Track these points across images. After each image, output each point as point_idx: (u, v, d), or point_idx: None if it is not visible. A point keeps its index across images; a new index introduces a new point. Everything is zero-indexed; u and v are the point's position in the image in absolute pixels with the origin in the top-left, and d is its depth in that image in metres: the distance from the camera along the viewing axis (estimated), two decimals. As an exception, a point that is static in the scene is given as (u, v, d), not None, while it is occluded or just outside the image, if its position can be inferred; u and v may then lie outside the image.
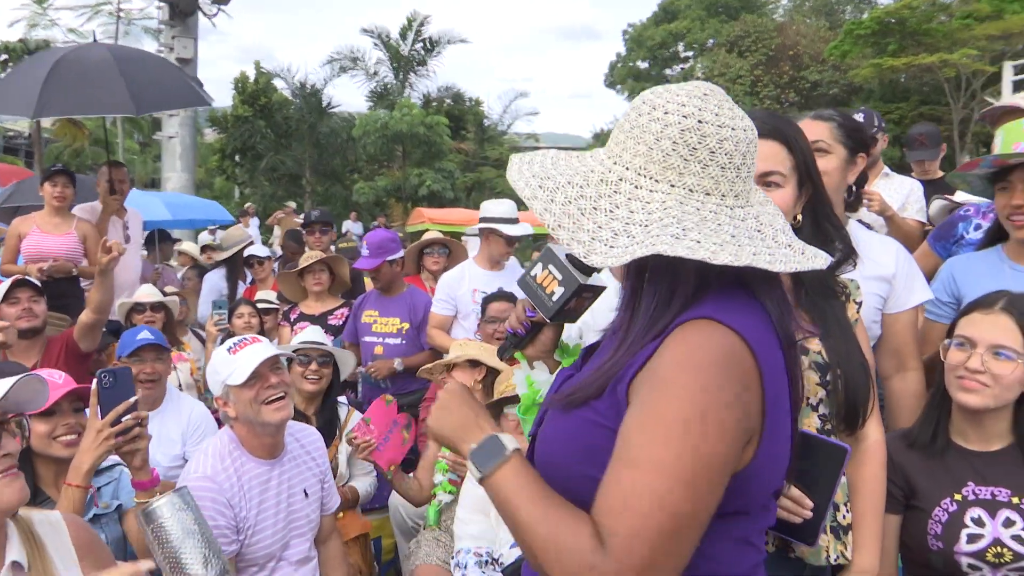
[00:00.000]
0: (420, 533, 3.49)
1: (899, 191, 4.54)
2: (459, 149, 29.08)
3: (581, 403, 1.26)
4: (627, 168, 1.24)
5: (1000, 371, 2.00)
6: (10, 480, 1.60)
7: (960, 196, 4.24)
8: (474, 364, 3.61)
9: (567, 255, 1.45)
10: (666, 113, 1.21)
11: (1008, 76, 18.36)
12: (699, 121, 1.20)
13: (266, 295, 6.00)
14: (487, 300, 4.32)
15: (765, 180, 1.85)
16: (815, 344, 1.86)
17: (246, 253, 6.71)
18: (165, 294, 5.29)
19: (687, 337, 1.18)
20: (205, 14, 15.96)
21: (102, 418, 2.23)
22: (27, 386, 1.68)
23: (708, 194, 1.21)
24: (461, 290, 4.83)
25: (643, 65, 42.21)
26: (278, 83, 28.16)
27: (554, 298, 1.45)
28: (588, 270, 1.43)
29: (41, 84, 5.41)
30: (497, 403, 2.92)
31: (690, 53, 40.98)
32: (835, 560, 1.88)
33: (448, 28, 29.38)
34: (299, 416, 3.66)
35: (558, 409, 1.31)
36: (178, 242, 9.13)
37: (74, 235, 5.40)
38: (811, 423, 1.86)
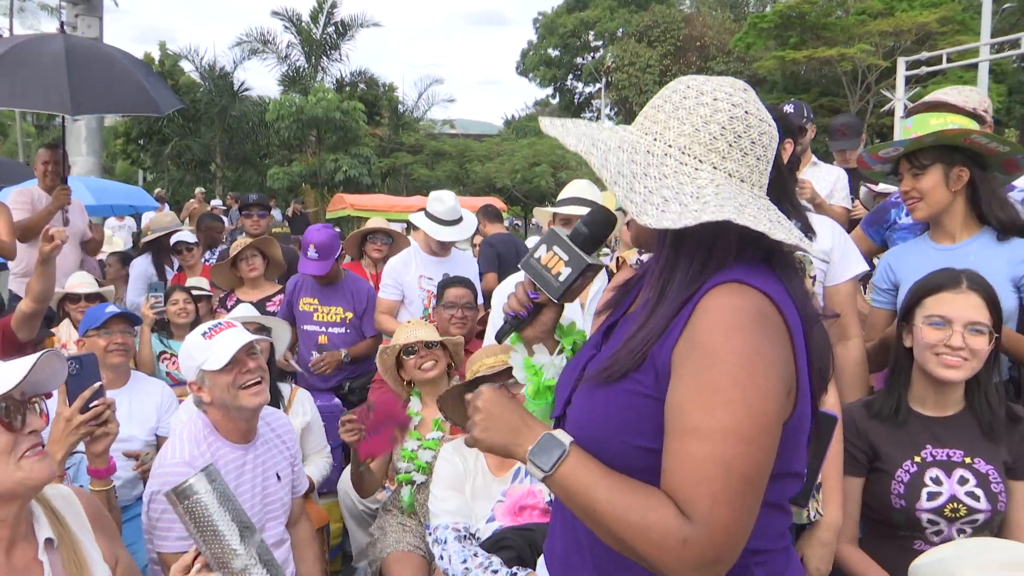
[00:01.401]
0: (381, 518, 3.48)
1: (826, 179, 4.78)
2: (374, 135, 28.74)
3: (620, 375, 1.29)
4: (670, 145, 1.29)
5: (977, 345, 2.18)
6: (39, 458, 1.60)
7: (884, 187, 4.54)
8: (429, 345, 3.61)
9: (569, 235, 1.51)
10: (715, 99, 1.29)
11: (901, 71, 19.22)
12: (746, 112, 1.29)
13: (198, 282, 5.85)
14: (444, 285, 4.33)
15: None
16: None
17: (174, 239, 6.53)
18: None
19: (722, 301, 1.23)
20: (108, -10, 15.27)
21: (70, 406, 2.21)
22: (48, 364, 1.66)
23: (743, 181, 1.29)
24: (408, 275, 4.83)
25: (554, 53, 42.52)
26: (185, 65, 27.28)
27: (561, 278, 1.50)
28: (590, 249, 1.50)
29: None
30: (472, 382, 2.96)
31: (600, 42, 41.49)
32: (814, 518, 2.03)
33: (359, 11, 28.93)
34: None
35: (592, 385, 1.34)
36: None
37: None
38: None
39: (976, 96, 3.38)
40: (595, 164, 1.28)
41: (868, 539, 2.33)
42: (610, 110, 41.47)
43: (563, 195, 3.72)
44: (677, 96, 1.32)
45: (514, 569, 2.58)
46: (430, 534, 2.88)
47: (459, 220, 4.92)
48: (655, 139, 1.31)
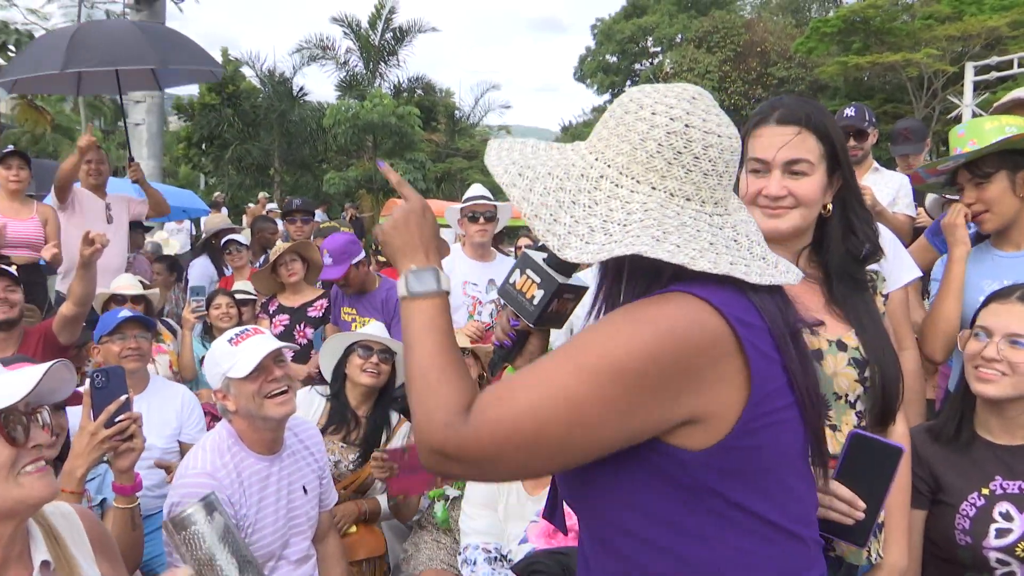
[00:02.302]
0: (415, 534, 3.42)
1: (889, 186, 4.57)
2: (430, 140, 28.92)
3: None
4: (609, 165, 1.23)
5: (1017, 359, 2.01)
6: (41, 474, 1.51)
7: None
8: (463, 352, 3.53)
9: (544, 258, 1.43)
10: (654, 114, 1.21)
11: (969, 76, 18.75)
12: (686, 125, 1.20)
13: (243, 285, 5.88)
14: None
15: (792, 168, 1.81)
16: (852, 339, 1.82)
17: (224, 239, 6.60)
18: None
19: (649, 299, 1.19)
20: (171, -1, 15.64)
21: (95, 420, 2.15)
22: (56, 374, 1.59)
23: (688, 199, 1.21)
24: (451, 282, 4.76)
25: (612, 59, 42.36)
26: (246, 71, 27.82)
27: (535, 301, 1.41)
28: (568, 271, 1.40)
29: (67, 42, 5.70)
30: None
31: (659, 48, 41.21)
32: (875, 560, 1.86)
33: (417, 17, 29.01)
34: (350, 415, 3.61)
35: None
36: (151, 230, 8.97)
37: (36, 219, 5.23)
38: (849, 420, 1.83)
39: None
40: (515, 197, 1.24)
41: (931, 577, 2.14)
42: (668, 116, 41.13)
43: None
44: (620, 110, 1.26)
45: (547, 596, 2.46)
46: (460, 553, 2.79)
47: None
48: (596, 158, 1.25)
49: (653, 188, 1.20)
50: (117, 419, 2.17)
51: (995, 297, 2.12)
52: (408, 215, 1.39)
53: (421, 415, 1.19)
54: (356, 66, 29.16)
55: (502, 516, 2.81)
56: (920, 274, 2.63)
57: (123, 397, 2.19)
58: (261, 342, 2.60)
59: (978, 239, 2.77)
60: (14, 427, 1.48)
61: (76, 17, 21.41)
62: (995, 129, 2.51)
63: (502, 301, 1.51)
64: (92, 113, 28.37)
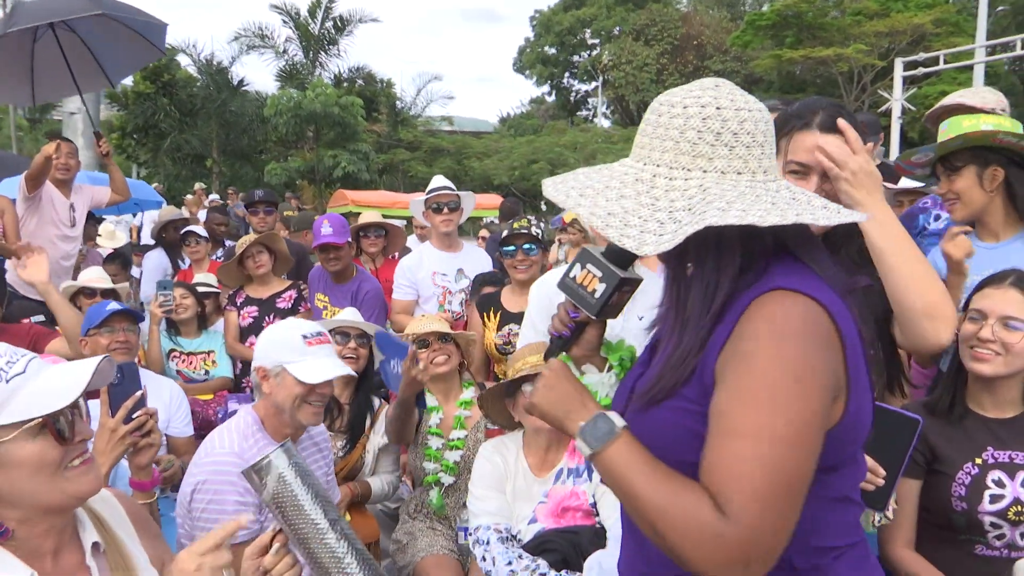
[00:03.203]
0: (406, 523, 3.42)
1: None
2: (372, 131, 28.67)
3: (667, 394, 1.32)
4: (658, 165, 1.31)
5: (1010, 340, 2.18)
6: (87, 468, 1.51)
7: (903, 183, 4.54)
8: (444, 339, 3.56)
9: (602, 252, 1.52)
10: (685, 107, 1.30)
11: (899, 72, 19.33)
12: (717, 108, 1.28)
13: (205, 278, 5.79)
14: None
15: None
16: None
17: (184, 230, 6.50)
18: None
19: (764, 310, 1.24)
20: (101, -19, 15.08)
21: (112, 416, 2.14)
22: (105, 370, 1.59)
23: (739, 173, 1.28)
24: (421, 273, 4.79)
25: (551, 51, 42.53)
26: (181, 59, 27.11)
27: (596, 295, 1.50)
28: (625, 264, 1.50)
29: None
30: (514, 382, 2.92)
31: (597, 40, 41.52)
32: (879, 523, 2.01)
33: (357, 7, 28.73)
34: (333, 403, 3.57)
35: (641, 407, 1.37)
36: (102, 222, 8.73)
37: None
38: None
39: (993, 96, 3.39)
40: (584, 215, 1.31)
41: (925, 542, 2.30)
42: (606, 108, 41.51)
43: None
44: (653, 116, 1.34)
45: (562, 573, 2.55)
46: (470, 535, 2.85)
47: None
48: (644, 163, 1.33)
49: (704, 172, 1.28)
50: (134, 415, 2.16)
51: (989, 282, 2.29)
52: (551, 379, 1.44)
53: (689, 547, 1.17)
54: (296, 55, 28.77)
55: (510, 498, 2.87)
56: None
57: (138, 392, 2.18)
58: (336, 364, 2.61)
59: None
60: (62, 425, 1.47)
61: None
62: (971, 126, 2.69)
63: (561, 293, 1.58)
64: (17, 101, 27.25)
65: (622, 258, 1.50)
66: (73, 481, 1.49)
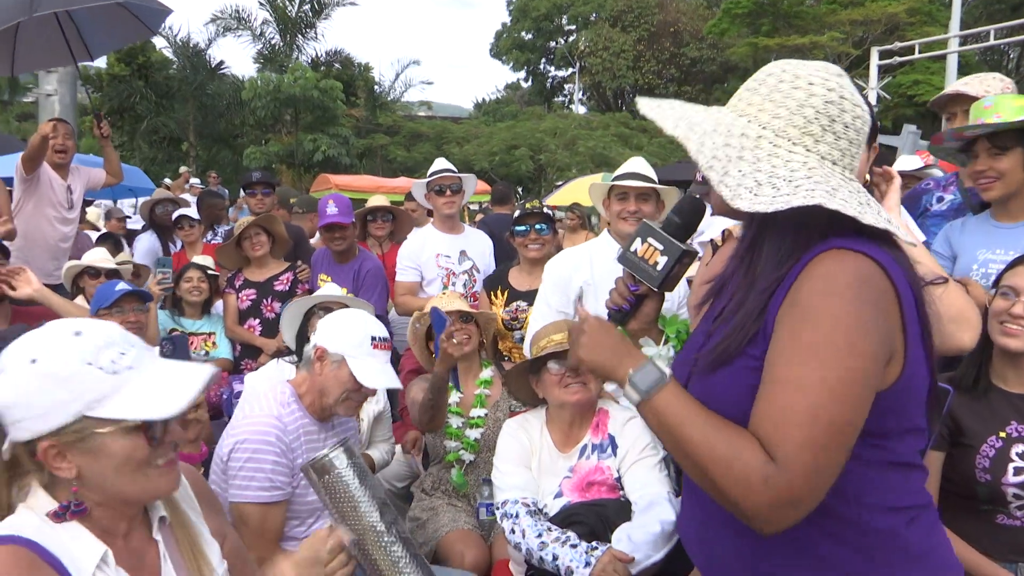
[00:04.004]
0: (426, 499, 3.45)
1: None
2: (350, 115, 28.45)
3: (735, 352, 1.35)
4: (764, 127, 1.34)
5: None
6: (167, 469, 1.51)
7: (898, 165, 4.66)
8: (465, 319, 3.61)
9: (662, 225, 1.56)
10: (811, 84, 1.33)
11: (875, 60, 19.50)
12: (841, 97, 1.33)
13: (204, 260, 5.78)
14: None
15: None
16: None
17: (176, 214, 6.45)
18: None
19: (822, 267, 1.28)
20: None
21: None
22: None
23: (835, 164, 1.33)
24: (424, 256, 4.83)
25: (528, 36, 42.35)
26: (157, 41, 26.65)
27: (659, 267, 1.55)
28: (684, 237, 1.54)
29: None
30: (539, 360, 2.97)
31: (574, 26, 41.42)
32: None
33: (335, -11, 28.30)
34: None
35: (708, 371, 1.39)
36: (90, 204, 8.65)
37: None
38: None
39: (998, 83, 3.46)
40: (692, 149, 1.34)
41: (947, 511, 2.36)
42: (583, 95, 41.47)
43: (621, 170, 3.72)
44: (773, 79, 1.37)
45: (593, 543, 2.61)
46: (497, 508, 2.90)
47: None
48: (750, 120, 1.36)
49: (807, 150, 1.32)
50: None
51: (1021, 260, 2.35)
52: (590, 332, 1.48)
53: (738, 489, 1.21)
54: (273, 38, 28.42)
55: (535, 473, 2.93)
56: (924, 237, 2.89)
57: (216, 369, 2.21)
58: (390, 372, 2.65)
59: (980, 208, 3.05)
60: (157, 429, 1.48)
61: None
62: (1020, 108, 2.77)
63: (621, 268, 1.63)
64: (-12, 82, 26.73)
65: (681, 231, 1.55)
66: (154, 480, 1.50)
